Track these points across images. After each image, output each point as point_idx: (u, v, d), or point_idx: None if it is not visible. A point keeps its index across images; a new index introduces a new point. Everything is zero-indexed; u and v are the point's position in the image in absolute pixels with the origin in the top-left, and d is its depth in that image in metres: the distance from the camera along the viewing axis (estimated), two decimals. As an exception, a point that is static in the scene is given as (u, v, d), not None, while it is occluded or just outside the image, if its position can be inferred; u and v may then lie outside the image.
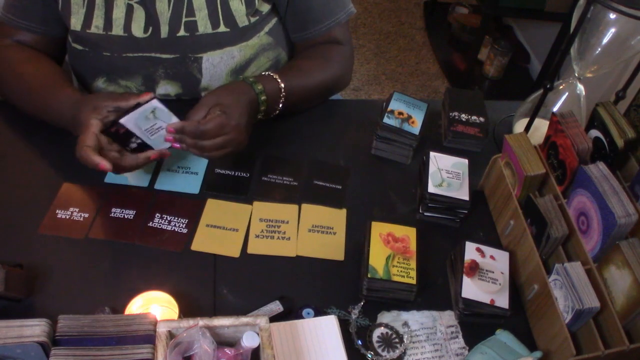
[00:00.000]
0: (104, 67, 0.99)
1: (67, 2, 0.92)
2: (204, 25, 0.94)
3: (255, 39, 1.00)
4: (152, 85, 1.02)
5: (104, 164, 0.78)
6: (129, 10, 0.93)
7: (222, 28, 0.95)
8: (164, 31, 0.95)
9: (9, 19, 0.96)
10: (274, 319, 0.73)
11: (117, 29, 0.94)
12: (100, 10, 0.92)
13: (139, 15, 0.93)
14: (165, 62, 0.98)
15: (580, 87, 0.98)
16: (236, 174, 0.94)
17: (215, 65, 0.99)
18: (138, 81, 1.01)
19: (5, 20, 0.96)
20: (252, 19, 0.97)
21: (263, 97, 0.90)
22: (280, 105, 0.96)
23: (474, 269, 0.78)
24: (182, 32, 0.95)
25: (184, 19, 0.94)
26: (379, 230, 0.82)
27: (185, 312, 0.72)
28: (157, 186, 0.90)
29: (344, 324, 0.75)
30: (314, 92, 1.04)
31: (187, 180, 0.92)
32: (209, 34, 0.95)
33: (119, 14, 0.93)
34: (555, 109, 0.99)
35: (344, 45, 1.07)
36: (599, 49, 0.87)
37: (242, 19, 0.96)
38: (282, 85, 0.94)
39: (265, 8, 0.99)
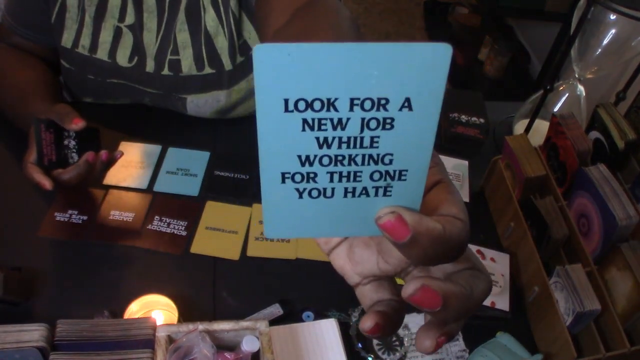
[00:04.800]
0: (90, 88, 0.96)
1: (61, 15, 0.89)
2: (188, 66, 0.90)
3: (243, 83, 0.94)
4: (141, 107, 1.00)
5: (45, 182, 0.74)
6: (117, 34, 0.89)
7: (207, 70, 0.91)
8: (150, 65, 0.91)
9: (8, 23, 0.94)
10: (273, 322, 0.72)
11: (102, 53, 0.90)
12: (88, 29, 0.89)
13: (127, 41, 0.90)
14: (149, 94, 0.96)
15: (581, 88, 0.98)
16: (236, 176, 0.94)
17: (200, 107, 0.96)
18: (126, 103, 0.99)
19: (5, 23, 0.94)
20: (240, 59, 0.91)
21: None
22: None
23: (475, 271, 0.78)
24: (166, 71, 0.91)
25: (168, 57, 0.90)
26: (379, 232, 0.81)
27: (185, 315, 0.71)
28: (156, 188, 0.90)
29: (344, 327, 0.75)
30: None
31: (186, 182, 0.91)
32: (194, 76, 0.91)
33: (106, 37, 0.89)
34: (555, 110, 0.99)
35: None
36: (599, 50, 0.87)
37: (227, 61, 0.90)
38: None
39: (252, 34, 0.91)
